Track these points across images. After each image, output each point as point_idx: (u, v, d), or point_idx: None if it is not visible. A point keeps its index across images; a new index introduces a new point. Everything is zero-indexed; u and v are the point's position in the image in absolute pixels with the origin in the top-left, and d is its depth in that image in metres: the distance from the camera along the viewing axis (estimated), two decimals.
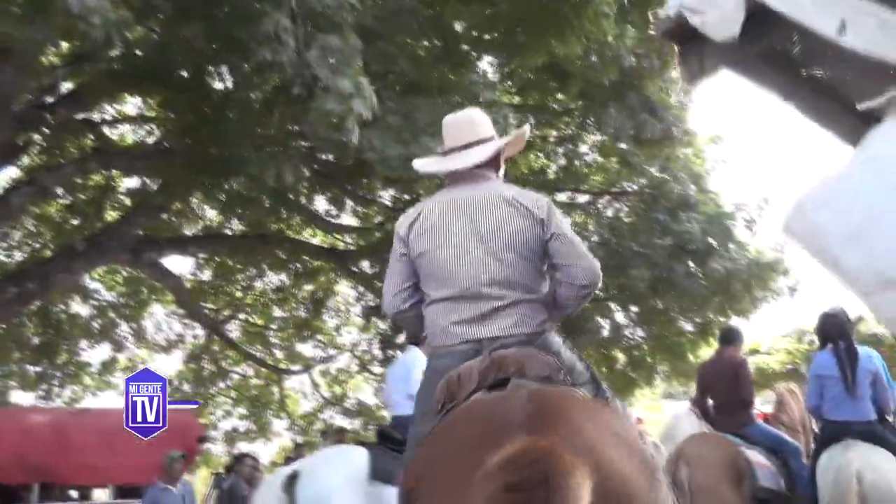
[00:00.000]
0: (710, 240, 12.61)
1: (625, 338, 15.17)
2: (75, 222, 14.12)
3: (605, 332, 14.97)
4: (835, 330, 5.99)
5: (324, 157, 11.51)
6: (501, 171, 3.33)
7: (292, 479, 5.86)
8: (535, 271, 3.07)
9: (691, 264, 12.74)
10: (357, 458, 6.01)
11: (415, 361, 6.56)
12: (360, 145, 7.95)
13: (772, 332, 25.82)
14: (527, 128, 3.55)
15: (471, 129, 3.27)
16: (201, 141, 9.44)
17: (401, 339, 13.17)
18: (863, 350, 5.92)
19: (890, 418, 5.93)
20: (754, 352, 24.89)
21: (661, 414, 20.78)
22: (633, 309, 14.44)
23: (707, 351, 18.02)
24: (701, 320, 14.98)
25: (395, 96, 9.23)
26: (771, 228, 14.02)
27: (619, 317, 14.95)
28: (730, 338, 7.02)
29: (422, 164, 3.46)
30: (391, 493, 5.48)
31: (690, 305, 13.59)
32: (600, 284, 3.23)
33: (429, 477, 2.45)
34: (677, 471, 5.70)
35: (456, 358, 2.92)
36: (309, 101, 7.51)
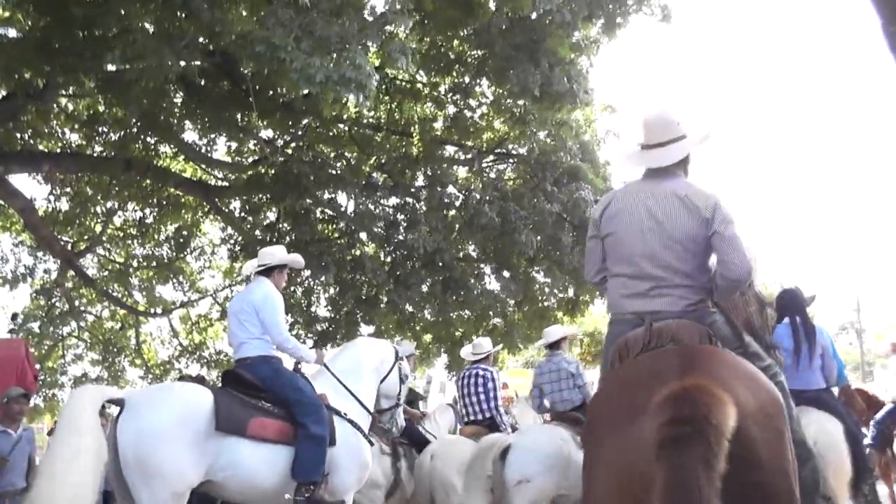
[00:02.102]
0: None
1: (498, 304, 14.90)
2: None
3: (480, 298, 14.68)
4: (793, 305, 6.63)
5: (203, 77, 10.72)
6: (690, 165, 3.86)
7: (116, 410, 5.27)
8: (697, 261, 3.59)
9: (572, 238, 12.58)
10: (196, 400, 5.41)
11: (266, 299, 6.10)
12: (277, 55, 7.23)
13: None
14: (713, 128, 3.92)
15: (664, 128, 3.77)
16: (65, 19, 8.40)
17: None
18: (817, 326, 6.64)
19: (834, 388, 6.76)
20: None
21: (525, 379, 20.92)
22: (506, 274, 14.17)
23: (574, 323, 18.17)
24: (569, 296, 14.97)
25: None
26: None
27: (492, 281, 14.68)
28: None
29: (622, 161, 4.11)
30: (238, 447, 5.40)
31: (572, 280, 13.39)
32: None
33: (600, 416, 3.19)
34: None
35: (625, 325, 3.55)
36: None
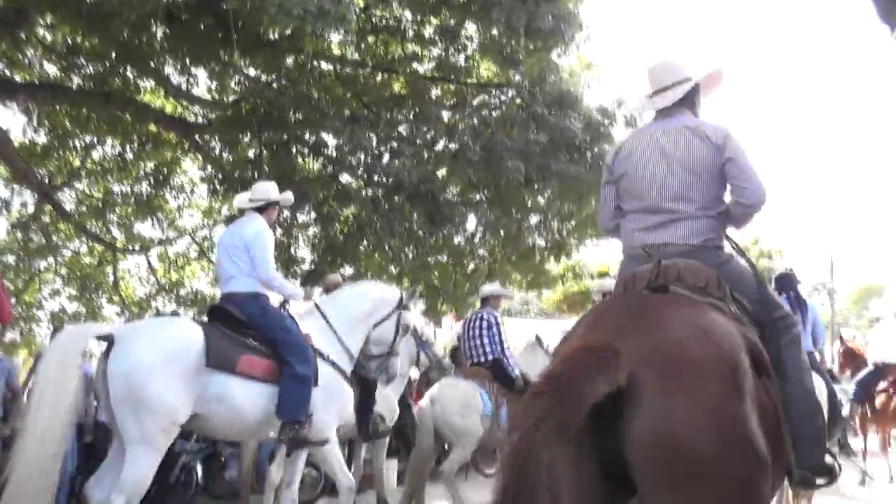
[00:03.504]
0: (584, 137, 12.37)
1: (479, 245, 14.90)
2: None
3: (461, 238, 14.65)
4: (788, 284, 8.03)
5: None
6: (700, 108, 3.86)
7: (105, 345, 5.28)
8: (711, 191, 3.57)
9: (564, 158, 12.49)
10: (187, 335, 5.48)
11: (257, 235, 6.15)
12: None
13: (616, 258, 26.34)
14: (721, 67, 3.94)
15: (666, 73, 3.80)
16: None
17: None
18: (808, 301, 8.07)
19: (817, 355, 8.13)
20: (603, 274, 25.51)
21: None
22: (491, 215, 14.13)
23: (561, 266, 18.21)
24: (557, 236, 14.95)
25: None
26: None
27: (473, 224, 14.63)
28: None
29: (635, 108, 4.51)
30: (226, 383, 5.51)
31: (571, 198, 13.29)
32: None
33: (558, 349, 3.06)
34: None
35: (635, 260, 3.54)
36: None
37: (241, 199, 6.65)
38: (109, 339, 5.28)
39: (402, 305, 7.22)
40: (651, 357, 2.56)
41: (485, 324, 8.83)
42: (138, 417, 5.10)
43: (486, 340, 8.76)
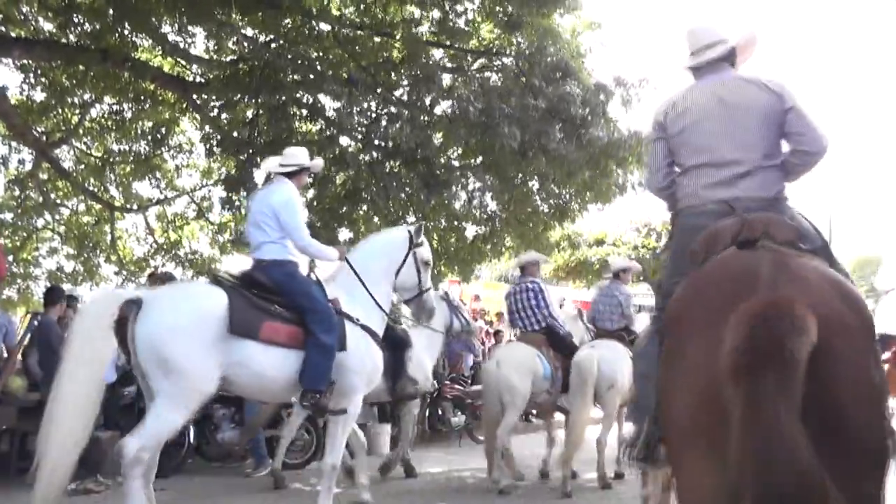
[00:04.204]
0: (581, 111, 12.25)
1: (479, 208, 14.82)
2: None
3: (460, 203, 14.57)
4: None
5: None
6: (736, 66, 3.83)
7: (133, 308, 5.43)
8: (774, 140, 3.54)
9: (561, 134, 12.39)
10: (211, 301, 5.63)
11: (287, 202, 6.23)
12: None
13: (618, 225, 26.29)
14: (755, 30, 3.92)
15: (706, 34, 3.82)
16: None
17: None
18: None
19: None
20: (600, 242, 25.49)
21: (498, 292, 21.02)
22: (489, 179, 14.04)
23: (559, 233, 18.17)
24: (560, 201, 14.87)
25: None
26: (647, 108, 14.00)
27: (476, 185, 14.52)
28: None
29: (677, 66, 3.99)
30: (248, 349, 5.66)
31: (559, 174, 13.23)
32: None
33: (685, 317, 2.94)
34: None
35: (707, 217, 3.41)
36: None
37: (272, 164, 6.70)
38: (138, 303, 5.44)
39: (414, 244, 7.19)
40: (827, 315, 2.51)
41: (531, 293, 9.30)
42: (168, 377, 5.33)
43: (535, 310, 9.25)
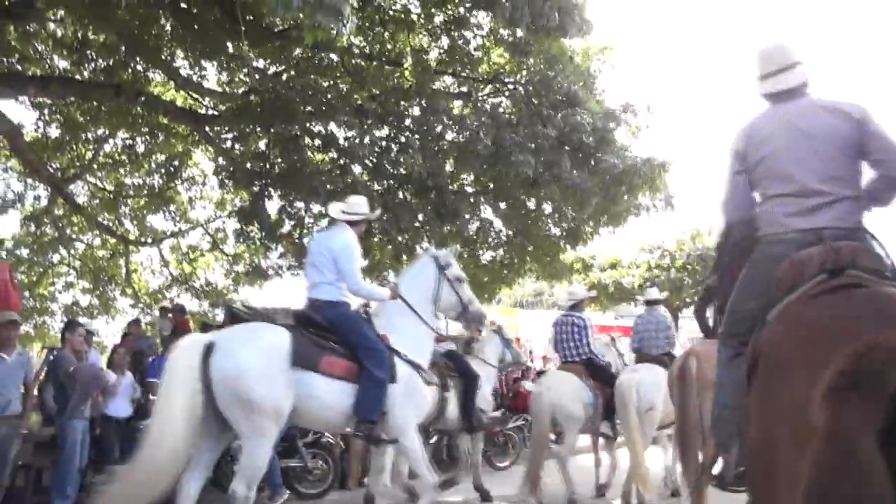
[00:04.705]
0: (591, 139, 12.29)
1: (492, 236, 14.83)
2: None
3: (473, 230, 14.59)
4: None
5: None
6: (809, 89, 3.76)
7: (208, 351, 5.87)
8: (854, 169, 3.52)
9: (570, 163, 12.43)
10: (276, 339, 6.06)
11: (346, 248, 6.66)
12: None
13: (630, 247, 26.29)
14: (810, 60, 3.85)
15: (781, 55, 3.79)
16: None
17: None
18: None
19: None
20: (614, 265, 25.46)
21: (514, 318, 20.99)
22: (502, 206, 14.07)
23: (572, 256, 18.13)
24: (572, 224, 14.86)
25: None
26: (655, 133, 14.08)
27: (488, 212, 14.54)
28: None
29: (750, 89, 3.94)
30: (312, 381, 6.10)
31: (572, 202, 13.25)
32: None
33: (784, 352, 2.91)
34: (686, 364, 6.74)
35: (788, 245, 3.45)
36: None
37: (335, 210, 7.11)
38: (210, 347, 5.85)
39: (442, 267, 7.41)
40: None
41: (576, 328, 9.97)
42: (247, 415, 5.73)
43: (577, 343, 9.92)
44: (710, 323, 7.69)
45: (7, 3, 9.68)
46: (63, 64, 14.51)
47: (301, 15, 7.17)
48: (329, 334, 6.40)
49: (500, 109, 13.75)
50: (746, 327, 3.52)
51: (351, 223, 6.91)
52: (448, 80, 14.04)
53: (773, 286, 3.35)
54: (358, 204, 7.09)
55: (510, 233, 14.95)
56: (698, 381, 6.53)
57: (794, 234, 3.49)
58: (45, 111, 15.35)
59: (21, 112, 40.43)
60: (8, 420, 7.93)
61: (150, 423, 5.70)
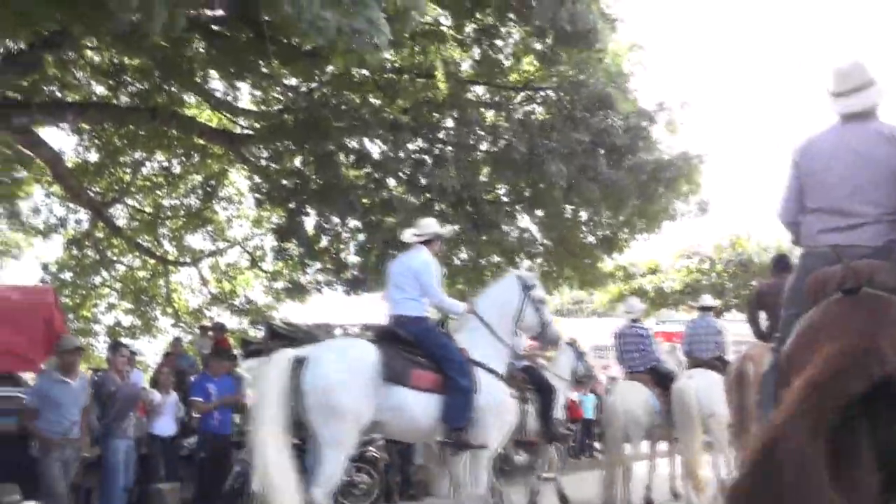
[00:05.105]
0: (625, 138, 12.26)
1: (529, 245, 14.78)
2: None
3: (512, 238, 14.57)
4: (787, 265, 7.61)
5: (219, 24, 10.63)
6: (880, 110, 3.91)
7: (298, 366, 6.21)
8: None
9: (605, 164, 12.40)
10: (366, 354, 6.41)
11: (425, 265, 7.03)
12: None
13: (667, 253, 26.21)
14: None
15: (857, 74, 3.89)
16: None
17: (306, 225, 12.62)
18: None
19: None
20: (653, 271, 25.31)
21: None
22: (539, 213, 14.03)
23: (609, 263, 18.03)
24: (608, 232, 14.79)
25: None
26: (690, 130, 14.07)
27: (525, 221, 14.53)
28: (785, 264, 7.91)
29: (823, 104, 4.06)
30: (400, 394, 6.45)
31: (609, 203, 13.22)
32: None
33: (794, 361, 3.28)
34: (743, 368, 7.03)
35: (818, 259, 3.69)
36: None
37: (408, 234, 7.47)
38: (302, 360, 6.20)
39: (527, 287, 7.59)
40: None
41: (639, 338, 10.42)
42: (329, 424, 6.06)
43: (642, 353, 10.35)
44: (763, 327, 7.76)
45: (45, 32, 9.82)
46: (100, 89, 14.77)
47: (334, 41, 7.21)
48: (413, 348, 6.72)
49: (533, 116, 13.72)
50: (788, 332, 3.77)
51: (425, 243, 7.25)
52: (479, 90, 14.02)
53: (802, 298, 3.66)
54: (427, 225, 7.48)
55: (547, 242, 14.88)
56: (755, 384, 6.56)
57: (823, 249, 3.71)
58: (85, 137, 15.63)
59: (62, 138, 41.21)
60: (72, 443, 8.10)
61: (253, 436, 6.10)
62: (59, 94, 13.94)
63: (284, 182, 13.65)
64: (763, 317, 7.79)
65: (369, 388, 6.20)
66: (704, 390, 9.39)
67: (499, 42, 13.17)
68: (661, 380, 10.15)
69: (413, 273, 6.94)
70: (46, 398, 8.08)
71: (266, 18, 9.24)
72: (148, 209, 18.16)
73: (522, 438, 9.99)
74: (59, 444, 7.91)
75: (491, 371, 6.98)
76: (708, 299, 11.52)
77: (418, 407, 6.50)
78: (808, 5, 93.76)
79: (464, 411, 6.63)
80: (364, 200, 12.58)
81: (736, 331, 11.99)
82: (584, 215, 14.68)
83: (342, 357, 6.32)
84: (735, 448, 7.63)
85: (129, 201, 17.96)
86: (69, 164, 15.36)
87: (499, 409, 7.06)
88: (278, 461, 5.87)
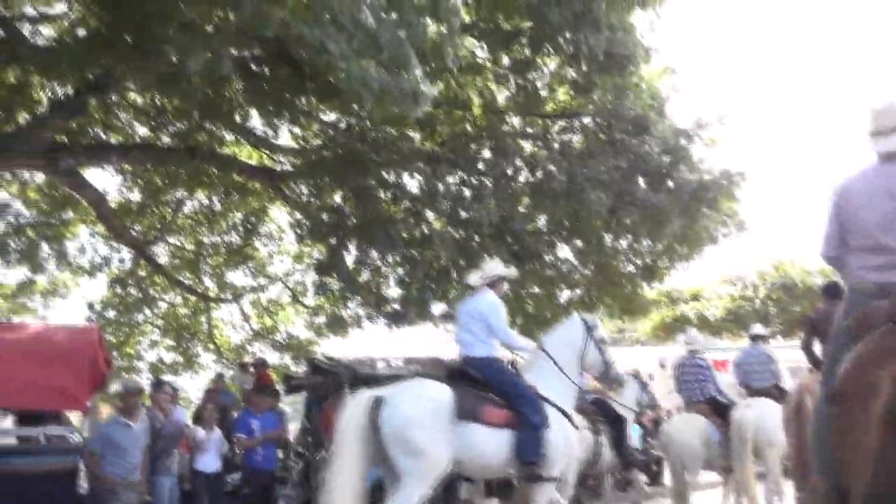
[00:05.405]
0: (666, 159, 12.24)
1: (569, 274, 14.71)
2: None
3: (551, 269, 14.51)
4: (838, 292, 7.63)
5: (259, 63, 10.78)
6: None
7: (377, 405, 6.54)
8: None
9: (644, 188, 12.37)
10: (441, 394, 6.74)
11: (492, 307, 7.39)
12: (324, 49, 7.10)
13: (710, 279, 25.93)
14: None
15: (892, 117, 4.01)
16: (120, 23, 8.51)
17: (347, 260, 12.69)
18: None
19: None
20: (696, 297, 25.03)
21: None
22: (578, 243, 13.97)
23: (650, 291, 17.88)
24: (647, 260, 14.68)
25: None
26: (731, 149, 14.04)
27: (565, 251, 14.47)
28: (836, 291, 7.91)
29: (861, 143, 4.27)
30: (475, 431, 6.76)
31: (650, 225, 13.14)
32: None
33: (849, 391, 3.42)
34: (802, 400, 7.08)
35: (864, 296, 3.83)
36: None
37: (474, 278, 7.85)
38: (381, 400, 6.54)
39: (590, 328, 7.94)
40: None
41: (699, 369, 10.61)
42: (408, 461, 6.36)
43: (702, 384, 10.54)
44: (818, 355, 7.70)
45: (90, 76, 10.06)
46: (142, 130, 15.05)
47: (379, 97, 7.29)
48: (484, 387, 7.05)
49: (571, 145, 13.73)
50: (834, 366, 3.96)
51: (490, 285, 7.61)
52: (516, 121, 14.06)
53: (849, 333, 3.78)
54: (491, 268, 7.87)
55: (587, 271, 14.81)
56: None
57: (868, 285, 3.88)
58: (127, 177, 15.91)
59: (105, 179, 42.00)
60: (133, 486, 8.22)
61: (329, 469, 6.48)
62: (102, 136, 14.25)
63: (325, 217, 13.73)
64: (818, 344, 7.78)
65: (444, 426, 6.50)
66: (763, 420, 9.54)
67: (534, 73, 13.20)
68: (720, 410, 10.26)
69: (481, 315, 7.28)
70: (109, 441, 8.20)
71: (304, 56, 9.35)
72: (189, 247, 18.37)
73: (595, 471, 10.33)
74: (122, 486, 8.03)
75: (559, 408, 7.27)
76: (758, 328, 11.60)
77: (491, 443, 6.78)
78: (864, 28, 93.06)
79: (536, 446, 6.88)
80: (403, 234, 12.60)
81: (784, 356, 11.95)
82: (623, 244, 14.62)
83: (417, 396, 6.64)
84: (794, 478, 7.63)
85: (171, 239, 18.21)
86: (112, 205, 15.60)
87: (568, 444, 7.33)
88: (349, 496, 6.19)
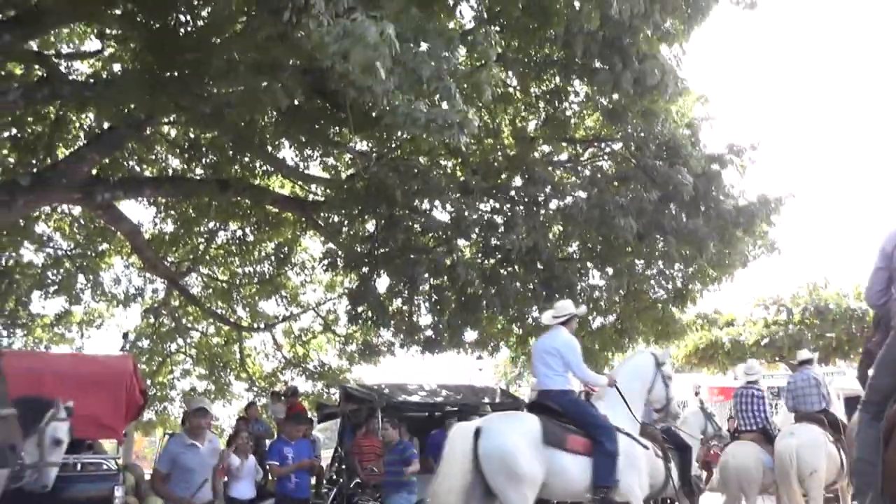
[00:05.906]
0: (698, 185, 12.25)
1: (601, 301, 14.64)
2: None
3: (582, 297, 14.45)
4: None
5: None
6: None
7: (476, 435, 7.22)
8: None
9: (675, 219, 12.37)
10: (532, 423, 7.41)
11: (567, 344, 7.94)
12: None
13: (743, 303, 25.80)
14: None
15: None
16: (161, 60, 8.68)
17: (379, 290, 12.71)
18: None
19: None
20: (729, 323, 24.79)
21: None
22: (609, 271, 13.93)
23: (683, 315, 17.75)
24: (678, 285, 14.58)
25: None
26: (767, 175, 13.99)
27: (595, 278, 14.43)
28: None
29: None
30: (561, 458, 7.40)
31: (688, 248, 13.12)
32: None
33: None
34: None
35: None
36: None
37: (547, 317, 8.50)
38: (478, 431, 7.26)
39: (659, 365, 8.62)
40: None
41: (754, 399, 11.01)
42: (512, 484, 7.05)
43: (755, 413, 10.96)
44: None
45: (126, 110, 10.24)
46: (175, 163, 15.27)
47: (426, 132, 7.38)
48: (563, 418, 7.61)
49: (601, 172, 13.74)
50: (881, 397, 4.36)
51: (563, 323, 8.17)
52: (546, 148, 14.10)
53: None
54: (564, 307, 8.43)
55: (617, 298, 14.73)
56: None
57: None
58: (160, 209, 16.13)
59: (139, 211, 42.49)
60: None
61: (433, 493, 7.20)
62: (137, 169, 14.48)
63: (357, 247, 13.81)
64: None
65: (537, 452, 7.16)
66: (805, 448, 9.86)
67: (565, 102, 13.23)
68: (771, 438, 10.64)
69: (557, 352, 7.84)
70: (176, 463, 8.23)
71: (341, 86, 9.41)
72: (222, 277, 18.53)
73: (664, 495, 10.48)
74: None
75: (628, 434, 7.84)
76: (805, 353, 11.93)
77: (576, 468, 7.40)
78: None
79: (611, 472, 7.45)
80: (433, 263, 12.62)
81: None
82: (653, 269, 14.55)
83: (512, 425, 7.34)
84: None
85: (204, 270, 18.37)
86: (146, 236, 15.81)
87: (639, 470, 7.89)
88: None
